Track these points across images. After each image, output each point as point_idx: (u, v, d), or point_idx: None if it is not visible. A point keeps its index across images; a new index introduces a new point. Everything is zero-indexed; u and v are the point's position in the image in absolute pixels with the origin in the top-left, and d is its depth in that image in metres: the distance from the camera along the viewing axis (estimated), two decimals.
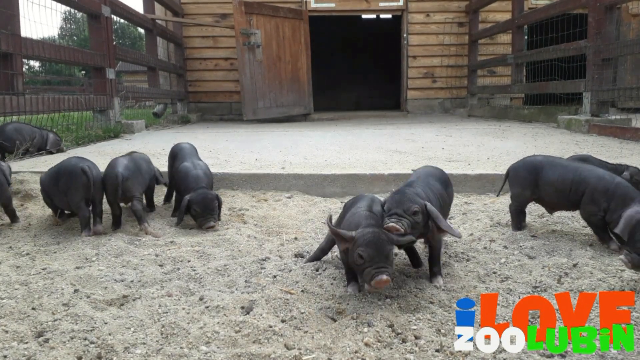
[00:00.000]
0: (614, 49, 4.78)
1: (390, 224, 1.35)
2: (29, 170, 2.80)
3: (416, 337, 1.19)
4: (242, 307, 1.36)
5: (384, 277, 1.23)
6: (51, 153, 3.69)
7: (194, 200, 2.11)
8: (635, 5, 7.62)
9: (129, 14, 6.02)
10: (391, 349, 1.14)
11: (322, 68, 11.30)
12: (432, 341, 1.17)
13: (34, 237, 2.04)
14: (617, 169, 2.54)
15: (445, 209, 1.66)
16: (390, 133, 5.19)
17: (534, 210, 2.30)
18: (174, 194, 2.45)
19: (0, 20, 3.69)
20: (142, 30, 7.66)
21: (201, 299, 1.42)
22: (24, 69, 5.31)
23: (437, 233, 1.47)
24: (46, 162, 3.22)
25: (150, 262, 1.72)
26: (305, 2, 8.54)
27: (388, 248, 1.29)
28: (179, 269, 1.66)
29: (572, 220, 2.10)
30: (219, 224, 2.19)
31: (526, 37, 7.63)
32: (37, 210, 2.38)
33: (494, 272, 1.60)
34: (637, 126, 4.43)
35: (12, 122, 3.74)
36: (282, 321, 1.28)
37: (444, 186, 1.68)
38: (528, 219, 2.14)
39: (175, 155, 2.53)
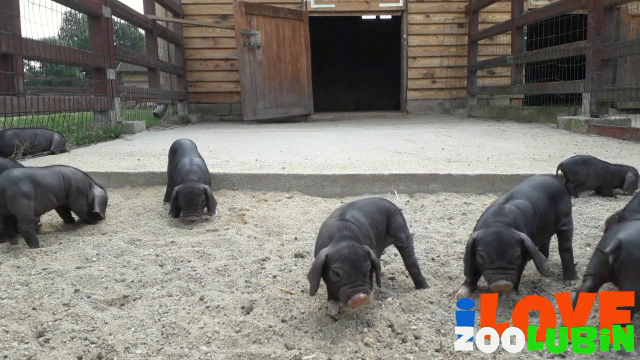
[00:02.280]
0: (613, 49, 4.78)
1: (501, 283, 1.25)
2: None
3: (416, 337, 1.19)
4: (243, 307, 1.36)
5: (362, 295, 1.15)
6: (53, 154, 3.70)
7: (181, 193, 2.17)
8: (635, 6, 7.63)
9: (130, 14, 6.03)
10: (391, 349, 1.14)
11: (322, 68, 11.31)
12: (432, 341, 1.17)
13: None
14: (621, 171, 2.54)
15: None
16: (390, 133, 5.19)
17: None
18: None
19: (1, 20, 3.69)
20: (142, 31, 7.67)
21: (201, 299, 1.42)
22: (24, 70, 5.32)
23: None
24: (46, 163, 3.22)
25: (151, 262, 1.73)
26: (306, 2, 8.55)
27: (365, 264, 1.19)
28: (179, 269, 1.66)
29: None
30: (219, 224, 2.19)
31: (526, 38, 7.64)
32: None
33: None
34: (637, 126, 4.43)
35: (11, 128, 3.75)
36: (282, 321, 1.28)
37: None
38: None
39: (175, 152, 2.54)
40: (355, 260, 1.18)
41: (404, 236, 1.46)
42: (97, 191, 2.18)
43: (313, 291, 1.23)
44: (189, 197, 2.16)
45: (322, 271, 1.21)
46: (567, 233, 1.51)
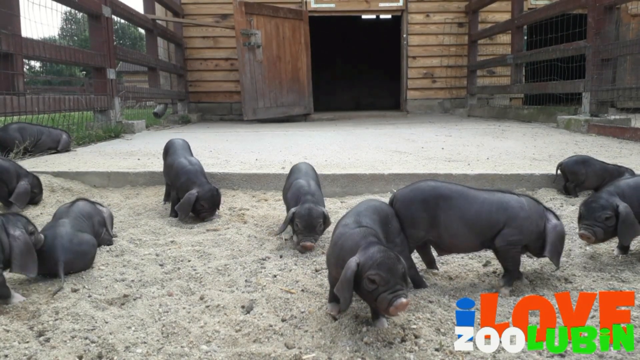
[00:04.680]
0: (613, 49, 4.78)
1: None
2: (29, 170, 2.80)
3: (416, 337, 1.19)
4: (243, 307, 1.36)
5: (404, 300, 1.07)
6: (58, 152, 3.71)
7: (203, 198, 2.19)
8: (635, 6, 7.63)
9: (130, 14, 6.03)
10: (391, 348, 1.15)
11: (322, 68, 11.31)
12: (432, 340, 1.17)
13: None
14: (619, 171, 2.55)
15: None
16: (390, 133, 5.19)
17: None
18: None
19: (1, 20, 3.69)
20: (142, 31, 7.67)
21: (202, 298, 1.42)
22: (24, 69, 5.31)
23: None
24: (47, 162, 3.22)
25: (151, 261, 1.73)
26: (305, 2, 8.55)
27: (401, 267, 1.12)
28: (179, 268, 1.66)
29: (570, 220, 2.11)
30: (219, 223, 2.19)
31: (525, 38, 7.64)
32: (37, 210, 2.38)
33: (494, 272, 1.60)
34: (636, 126, 4.43)
35: (17, 122, 3.75)
36: (282, 320, 1.29)
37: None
38: None
39: (167, 151, 2.53)
40: (391, 264, 1.10)
41: (399, 240, 1.44)
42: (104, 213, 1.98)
43: (346, 305, 1.14)
44: (212, 200, 2.22)
45: (354, 281, 1.12)
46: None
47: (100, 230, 1.87)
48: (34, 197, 2.43)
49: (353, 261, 1.13)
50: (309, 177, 2.10)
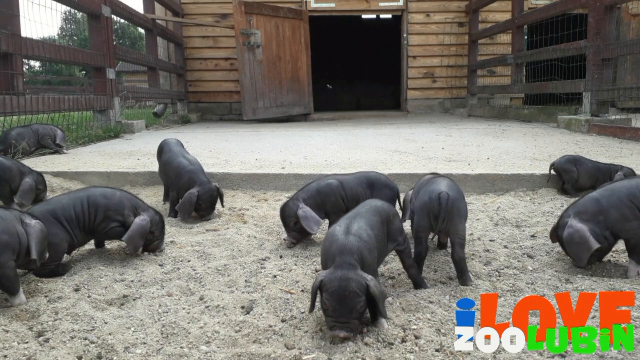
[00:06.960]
0: (613, 49, 4.78)
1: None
2: None
3: (416, 337, 1.18)
4: (242, 307, 1.36)
5: (339, 334, 1.13)
6: (60, 146, 3.72)
7: (202, 197, 2.21)
8: (635, 5, 7.61)
9: (129, 13, 6.02)
10: (391, 348, 1.14)
11: (322, 68, 11.30)
12: (432, 341, 1.17)
13: None
14: (611, 169, 2.56)
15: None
16: (390, 133, 5.19)
17: (532, 210, 2.31)
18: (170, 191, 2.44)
19: (0, 20, 3.69)
20: (142, 30, 7.67)
21: (201, 298, 1.42)
22: (24, 69, 5.31)
23: None
24: (46, 162, 3.22)
25: (151, 261, 1.72)
26: (305, 2, 8.55)
27: (356, 301, 1.13)
28: (179, 268, 1.66)
29: None
30: (219, 223, 2.19)
31: (526, 37, 7.63)
32: None
33: (494, 272, 1.60)
34: (637, 126, 4.43)
35: (17, 127, 3.75)
36: (282, 321, 1.28)
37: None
38: (525, 219, 2.14)
39: (161, 150, 2.53)
40: (344, 297, 1.13)
41: (402, 239, 1.44)
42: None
43: (309, 309, 1.22)
44: (210, 200, 2.24)
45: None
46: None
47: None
48: (39, 194, 2.42)
49: (320, 277, 1.18)
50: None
